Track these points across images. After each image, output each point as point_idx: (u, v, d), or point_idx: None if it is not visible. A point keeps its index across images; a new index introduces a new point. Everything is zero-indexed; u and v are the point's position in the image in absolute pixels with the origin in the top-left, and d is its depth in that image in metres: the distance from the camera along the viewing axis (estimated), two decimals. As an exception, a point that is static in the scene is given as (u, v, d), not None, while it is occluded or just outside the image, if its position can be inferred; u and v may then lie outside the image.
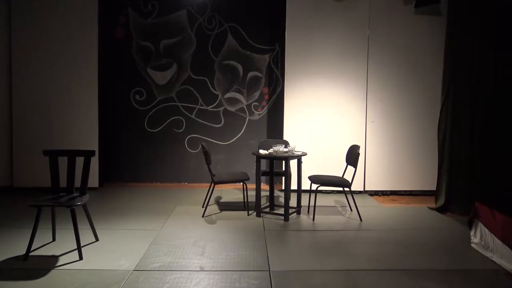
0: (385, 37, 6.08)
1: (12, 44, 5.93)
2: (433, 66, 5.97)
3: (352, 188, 4.94)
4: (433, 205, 5.39)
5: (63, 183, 3.83)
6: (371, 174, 6.19)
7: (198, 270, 3.31)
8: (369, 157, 6.17)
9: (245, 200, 5.17)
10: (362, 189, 6.18)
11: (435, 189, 5.55)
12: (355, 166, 4.88)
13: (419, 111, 6.14)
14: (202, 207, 5.17)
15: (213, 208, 5.25)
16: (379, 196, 6.22)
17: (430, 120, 6.00)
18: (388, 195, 6.24)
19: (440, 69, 5.56)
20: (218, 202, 5.62)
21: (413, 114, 6.14)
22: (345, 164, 5.17)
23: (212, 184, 5.00)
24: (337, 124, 6.14)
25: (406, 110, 6.16)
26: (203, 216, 4.86)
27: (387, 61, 6.10)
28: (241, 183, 5.11)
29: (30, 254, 3.53)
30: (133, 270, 3.29)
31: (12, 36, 5.93)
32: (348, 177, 4.98)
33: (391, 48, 6.09)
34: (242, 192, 5.39)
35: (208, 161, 4.91)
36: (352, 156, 4.99)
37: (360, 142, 5.83)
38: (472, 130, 5.28)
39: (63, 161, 3.83)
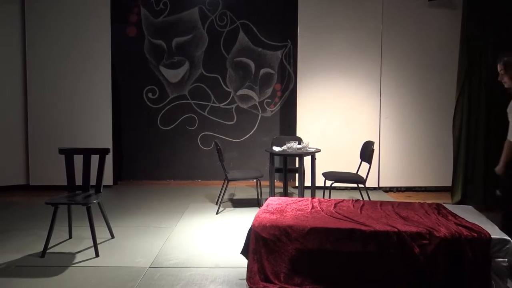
0: (399, 32, 6.00)
1: (27, 44, 5.98)
2: (448, 61, 5.88)
3: (367, 185, 4.90)
4: (449, 201, 5.32)
5: (78, 181, 3.85)
6: (386, 170, 6.13)
7: (213, 267, 3.31)
8: (384, 153, 6.11)
9: (259, 197, 5.16)
10: (376, 186, 6.13)
11: (450, 185, 5.48)
12: (369, 162, 4.84)
13: (433, 106, 6.06)
14: (216, 204, 5.17)
15: (226, 205, 5.25)
16: (394, 192, 6.15)
17: (445, 115, 5.91)
18: (403, 191, 6.18)
19: (456, 64, 5.48)
20: (231, 199, 5.62)
21: (427, 109, 6.06)
22: (359, 160, 5.13)
23: (226, 182, 4.99)
24: (350, 120, 6.09)
25: (420, 106, 6.08)
26: (217, 213, 4.86)
27: (401, 56, 6.03)
28: (255, 180, 5.11)
29: (47, 251, 3.57)
30: (149, 267, 3.30)
31: (26, 36, 5.98)
32: (362, 173, 4.94)
33: (405, 43, 6.01)
34: (256, 189, 5.38)
35: (221, 159, 4.91)
36: (367, 152, 4.95)
37: (374, 138, 5.77)
38: (487, 125, 5.20)
39: (78, 160, 3.86)
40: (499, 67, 3.44)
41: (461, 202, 5.18)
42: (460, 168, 5.32)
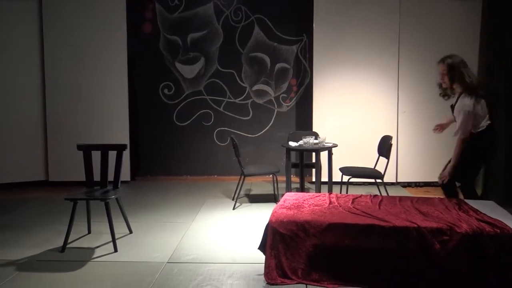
0: (417, 25, 5.90)
1: (44, 42, 6.05)
2: (469, 54, 5.69)
3: (385, 180, 4.83)
4: (469, 197, 5.22)
5: (96, 177, 3.89)
6: (404, 165, 6.05)
7: (231, 262, 3.31)
8: (402, 148, 6.03)
9: (275, 193, 5.15)
10: (394, 181, 6.05)
11: (471, 180, 5.38)
12: (387, 157, 4.78)
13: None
14: (232, 199, 5.17)
15: (243, 201, 5.25)
16: (412, 187, 6.07)
17: (465, 108, 5.78)
18: (421, 186, 6.09)
19: (476, 57, 5.35)
20: (248, 194, 5.62)
21: (446, 103, 5.91)
22: (377, 155, 5.06)
23: (242, 177, 4.99)
24: (368, 114, 6.02)
25: (439, 100, 5.89)
26: (233, 209, 4.86)
27: (419, 49, 5.92)
28: (271, 176, 5.09)
29: (67, 246, 3.61)
30: (167, 262, 3.32)
31: (43, 35, 6.05)
32: (380, 168, 4.88)
33: (424, 36, 5.90)
34: (272, 184, 5.36)
35: (237, 154, 4.91)
36: (385, 147, 4.88)
37: (392, 133, 5.69)
38: (508, 119, 5.08)
39: (96, 156, 3.89)
40: (441, 67, 3.76)
41: (482, 197, 5.08)
42: (480, 162, 5.21)
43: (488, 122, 3.68)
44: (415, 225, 2.82)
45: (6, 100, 5.94)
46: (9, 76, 5.95)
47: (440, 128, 4.24)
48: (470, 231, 2.75)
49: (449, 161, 3.85)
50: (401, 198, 3.55)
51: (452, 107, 3.90)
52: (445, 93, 3.92)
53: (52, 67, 6.08)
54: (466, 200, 3.49)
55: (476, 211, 3.15)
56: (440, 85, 3.91)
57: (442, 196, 3.90)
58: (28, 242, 3.80)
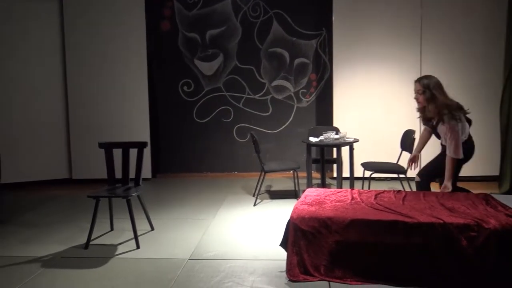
0: (440, 17, 5.75)
1: (65, 40, 6.14)
2: (494, 46, 5.58)
3: (408, 175, 4.74)
4: (496, 191, 5.09)
5: (118, 174, 3.92)
6: (427, 160, 5.86)
7: (252, 259, 3.29)
8: (425, 142, 5.89)
9: (296, 189, 5.11)
10: (417, 176, 5.93)
11: (498, 174, 5.23)
12: (410, 151, 4.68)
13: (478, 93, 5.77)
14: (253, 196, 5.16)
15: (264, 197, 5.23)
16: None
17: (490, 103, 5.63)
18: (445, 181, 5.94)
19: (502, 50, 5.18)
20: (268, 191, 5.59)
21: (471, 96, 5.77)
22: (400, 149, 4.97)
23: (263, 173, 4.96)
24: (389, 109, 5.91)
25: (463, 92, 5.76)
26: (254, 205, 4.84)
27: (442, 42, 5.77)
28: (291, 172, 5.05)
29: (90, 243, 3.66)
30: (189, 259, 3.32)
31: (65, 35, 6.14)
32: (403, 163, 4.79)
33: (446, 28, 5.75)
34: (293, 180, 5.32)
35: (257, 150, 4.88)
36: (407, 141, 4.79)
37: (414, 127, 5.56)
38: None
39: (118, 153, 3.92)
40: (417, 86, 3.79)
41: (510, 192, 4.94)
42: (508, 156, 5.06)
43: (469, 128, 3.79)
44: (441, 221, 2.74)
45: (29, 99, 6.06)
46: (32, 76, 6.07)
47: (414, 163, 4.29)
48: (499, 227, 2.66)
49: (431, 162, 4.12)
50: (425, 194, 3.47)
51: (433, 126, 3.89)
52: (426, 117, 3.90)
53: (73, 66, 6.17)
54: (494, 195, 3.39)
55: (504, 206, 3.05)
56: (421, 111, 3.93)
57: (471, 190, 3.83)
58: (52, 239, 3.87)
